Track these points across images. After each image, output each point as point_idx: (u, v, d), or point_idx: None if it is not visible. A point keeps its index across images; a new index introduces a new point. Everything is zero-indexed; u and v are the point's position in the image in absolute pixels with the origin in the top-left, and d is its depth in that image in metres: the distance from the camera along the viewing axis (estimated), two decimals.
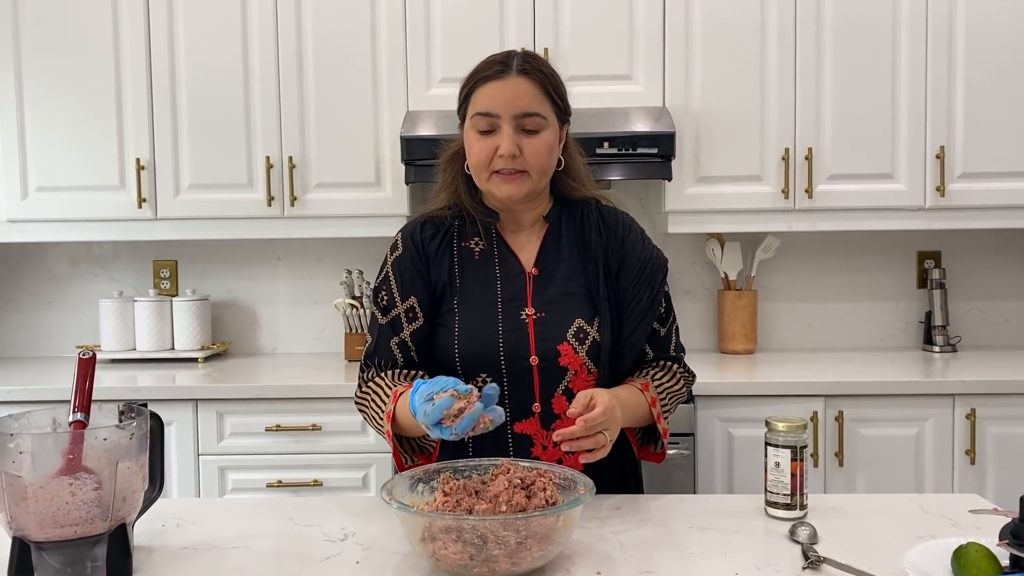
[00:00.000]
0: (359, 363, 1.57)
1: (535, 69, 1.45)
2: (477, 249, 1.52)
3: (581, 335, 1.45)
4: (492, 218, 1.53)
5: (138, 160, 2.82)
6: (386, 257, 1.55)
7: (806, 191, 2.78)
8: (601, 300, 1.47)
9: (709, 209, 2.81)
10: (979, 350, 3.07)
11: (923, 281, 3.16)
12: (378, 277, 1.56)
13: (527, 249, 1.53)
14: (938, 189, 2.77)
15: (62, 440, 1.08)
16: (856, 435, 2.52)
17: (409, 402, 1.29)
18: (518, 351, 1.44)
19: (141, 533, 1.29)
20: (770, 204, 2.81)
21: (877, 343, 3.18)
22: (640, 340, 1.50)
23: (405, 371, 1.51)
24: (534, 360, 1.44)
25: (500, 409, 1.23)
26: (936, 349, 3.03)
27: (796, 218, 2.82)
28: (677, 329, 1.58)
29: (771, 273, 3.18)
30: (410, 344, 1.50)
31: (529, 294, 1.49)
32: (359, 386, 1.54)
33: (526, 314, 1.47)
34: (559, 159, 1.51)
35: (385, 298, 1.52)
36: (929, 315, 3.08)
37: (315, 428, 2.55)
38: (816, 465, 2.51)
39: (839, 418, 2.51)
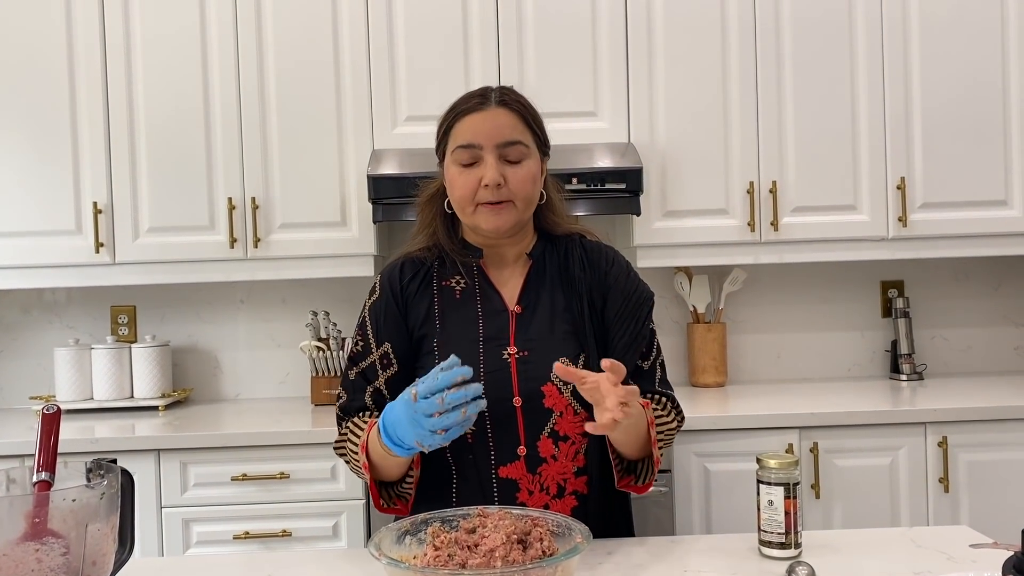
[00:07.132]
0: (336, 413, 1.52)
1: (514, 100, 1.45)
2: (459, 288, 1.49)
3: None
4: (474, 256, 1.50)
5: (95, 204, 2.74)
6: (365, 302, 1.52)
7: (771, 224, 2.80)
8: (587, 338, 1.43)
9: (677, 243, 2.82)
10: (945, 377, 3.10)
11: (887, 310, 3.20)
12: (357, 323, 1.53)
13: (510, 286, 1.50)
14: (900, 219, 2.81)
15: (26, 503, 1.01)
16: (831, 466, 2.52)
17: (379, 425, 1.29)
18: (501, 392, 1.40)
19: None
20: (736, 237, 2.82)
21: (845, 372, 3.20)
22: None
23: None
24: (517, 401, 1.40)
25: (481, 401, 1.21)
26: (903, 377, 3.05)
27: (762, 250, 2.84)
28: (663, 365, 1.53)
29: (738, 305, 3.19)
30: (385, 393, 1.46)
31: (512, 332, 1.45)
32: (336, 438, 1.51)
33: (508, 353, 1.43)
34: (541, 193, 1.49)
35: (360, 344, 1.49)
36: (895, 344, 3.11)
37: (283, 476, 2.47)
38: None
39: (814, 450, 2.51)
